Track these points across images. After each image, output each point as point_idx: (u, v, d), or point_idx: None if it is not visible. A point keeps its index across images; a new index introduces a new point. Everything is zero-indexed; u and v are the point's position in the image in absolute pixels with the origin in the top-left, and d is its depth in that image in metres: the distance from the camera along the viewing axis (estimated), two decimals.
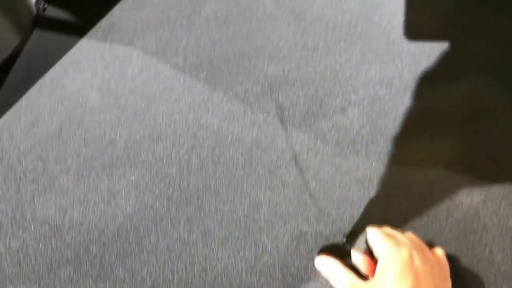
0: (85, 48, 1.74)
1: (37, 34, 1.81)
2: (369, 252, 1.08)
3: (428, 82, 1.56)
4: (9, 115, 1.50)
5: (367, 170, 1.35)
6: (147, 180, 1.34)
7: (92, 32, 1.80)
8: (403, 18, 1.76)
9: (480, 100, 1.51)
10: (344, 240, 1.16)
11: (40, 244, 1.23)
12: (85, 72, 1.67)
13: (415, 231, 1.22)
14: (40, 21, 1.85)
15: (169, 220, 1.24)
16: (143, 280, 1.14)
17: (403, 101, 1.52)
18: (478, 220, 1.22)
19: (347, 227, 1.22)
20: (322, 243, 1.19)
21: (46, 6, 1.94)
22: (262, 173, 1.35)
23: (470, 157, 1.37)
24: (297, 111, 1.52)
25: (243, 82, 1.62)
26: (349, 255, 1.12)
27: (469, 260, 1.14)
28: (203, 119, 1.51)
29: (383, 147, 1.41)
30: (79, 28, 1.81)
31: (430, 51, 1.65)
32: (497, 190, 1.28)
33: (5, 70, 1.65)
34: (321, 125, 1.48)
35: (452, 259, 1.14)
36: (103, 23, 1.84)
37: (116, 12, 1.87)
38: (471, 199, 1.27)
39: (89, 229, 1.26)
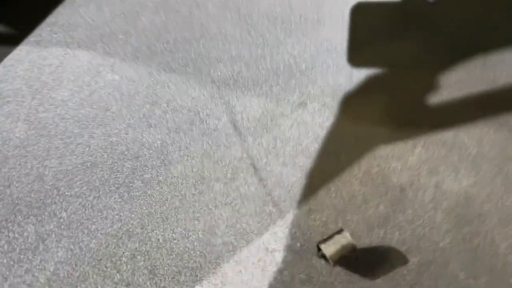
0: (10, 78, 1.53)
1: None
2: (343, 258, 0.90)
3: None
4: None
5: (337, 167, 1.16)
6: (80, 215, 1.12)
7: (18, 59, 1.60)
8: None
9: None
10: (318, 252, 0.96)
11: None
12: (11, 104, 1.46)
13: (400, 230, 1.03)
14: None
15: (109, 260, 1.02)
16: None
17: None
18: (472, 206, 1.04)
19: (320, 235, 1.01)
20: (292, 259, 0.98)
21: None
22: (216, 188, 1.15)
23: (449, 138, 1.20)
24: (251, 113, 1.34)
25: (188, 90, 1.44)
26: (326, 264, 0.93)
27: (469, 255, 0.95)
28: (145, 136, 1.31)
29: (352, 139, 1.23)
30: (3, 54, 1.62)
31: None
32: (488, 167, 1.11)
33: None
34: (279, 124, 1.30)
35: (449, 258, 0.95)
36: (31, 48, 1.64)
37: (45, 35, 1.69)
38: (459, 183, 1.09)
39: (14, 284, 1.03)
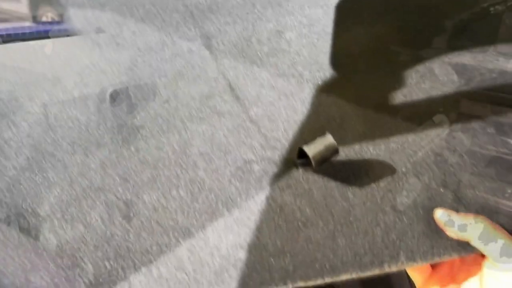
0: None
1: None
2: (325, 160, 0.90)
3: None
4: None
5: (313, 89, 1.16)
6: (43, 125, 1.05)
7: None
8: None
9: None
10: (298, 160, 0.96)
11: None
12: None
13: (375, 146, 1.05)
14: None
15: (76, 167, 0.96)
16: (47, 241, 0.85)
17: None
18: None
19: (298, 146, 1.01)
20: (271, 169, 0.97)
21: None
22: (191, 105, 1.12)
23: (421, 68, 1.23)
24: (226, 38, 1.30)
25: (158, 13, 1.37)
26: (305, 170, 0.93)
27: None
28: (112, 54, 1.24)
29: (327, 66, 1.23)
30: None
31: None
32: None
33: None
34: (255, 50, 1.27)
35: (422, 171, 0.98)
36: None
37: None
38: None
39: None
